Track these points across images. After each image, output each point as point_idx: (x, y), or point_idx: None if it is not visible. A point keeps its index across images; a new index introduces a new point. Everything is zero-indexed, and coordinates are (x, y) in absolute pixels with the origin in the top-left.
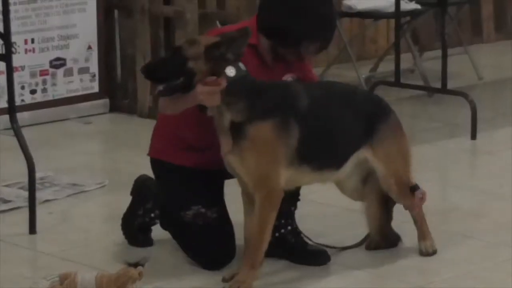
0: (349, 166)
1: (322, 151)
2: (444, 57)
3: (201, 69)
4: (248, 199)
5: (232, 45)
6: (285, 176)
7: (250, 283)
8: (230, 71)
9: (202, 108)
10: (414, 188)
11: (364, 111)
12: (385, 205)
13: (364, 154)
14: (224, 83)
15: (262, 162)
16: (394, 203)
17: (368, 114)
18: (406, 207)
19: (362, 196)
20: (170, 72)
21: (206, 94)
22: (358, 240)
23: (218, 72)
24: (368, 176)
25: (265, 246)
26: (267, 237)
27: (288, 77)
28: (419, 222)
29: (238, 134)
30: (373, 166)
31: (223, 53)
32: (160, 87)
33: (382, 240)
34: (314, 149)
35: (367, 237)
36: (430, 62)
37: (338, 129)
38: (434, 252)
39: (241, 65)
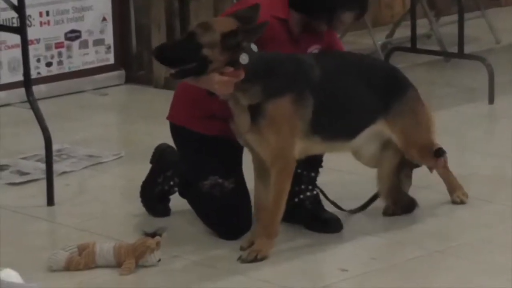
0: (362, 138)
1: (334, 122)
2: (461, 21)
3: (218, 58)
4: (259, 165)
5: (248, 34)
6: (298, 147)
7: (266, 251)
8: (243, 59)
9: (211, 93)
10: (438, 153)
11: (380, 85)
12: (399, 171)
13: (379, 127)
14: (242, 75)
15: (280, 138)
16: (412, 168)
17: (384, 88)
18: (430, 169)
19: (378, 163)
20: (183, 57)
21: (222, 84)
22: (375, 207)
23: (233, 60)
24: (383, 146)
25: (281, 215)
26: (283, 207)
27: (314, 49)
28: (446, 176)
29: (255, 114)
30: (391, 138)
31: (239, 41)
32: (172, 70)
33: (395, 205)
34: (327, 120)
35: (373, 198)
36: (447, 27)
37: (352, 101)
38: (467, 197)
39: (252, 46)
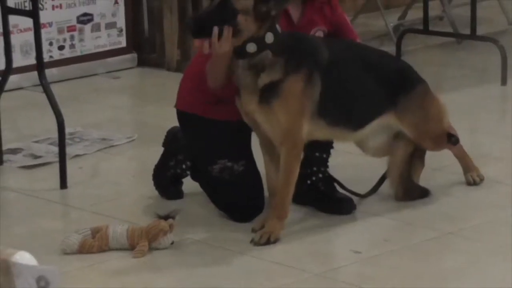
0: (368, 130)
1: (340, 108)
2: (473, 2)
3: (249, 27)
4: (267, 150)
5: (278, 2)
6: (305, 129)
7: (278, 233)
8: (268, 38)
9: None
10: (451, 140)
11: (389, 78)
12: (411, 159)
13: (387, 120)
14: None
15: (290, 117)
16: (424, 153)
17: (393, 82)
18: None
19: (385, 154)
20: (219, 26)
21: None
22: (388, 189)
23: (259, 37)
24: (395, 135)
25: (291, 196)
26: (293, 187)
27: (316, 31)
28: (461, 156)
29: (266, 92)
30: (402, 130)
31: (270, 9)
32: (206, 45)
33: (406, 194)
34: (332, 104)
35: (382, 179)
36: (459, 8)
37: (359, 90)
38: (481, 180)
39: (277, 27)
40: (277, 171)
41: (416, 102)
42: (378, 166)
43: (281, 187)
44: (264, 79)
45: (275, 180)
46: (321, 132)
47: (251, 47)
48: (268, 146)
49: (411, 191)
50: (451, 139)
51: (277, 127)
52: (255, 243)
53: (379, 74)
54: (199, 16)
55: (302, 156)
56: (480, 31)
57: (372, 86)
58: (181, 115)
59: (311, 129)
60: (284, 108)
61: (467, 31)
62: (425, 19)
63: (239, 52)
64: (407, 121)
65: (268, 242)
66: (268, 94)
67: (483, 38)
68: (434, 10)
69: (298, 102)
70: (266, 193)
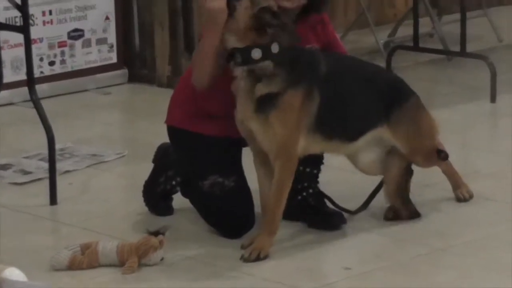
0: (361, 142)
1: (336, 121)
2: (463, 20)
3: (243, 17)
4: (262, 164)
5: (279, 29)
6: (300, 144)
7: (267, 249)
8: (274, 48)
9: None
10: (441, 156)
11: (382, 92)
12: (406, 173)
13: (380, 133)
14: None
15: (286, 131)
16: (411, 175)
17: (386, 95)
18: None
19: (379, 170)
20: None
21: None
22: (378, 206)
23: (265, 46)
24: (388, 151)
25: (282, 211)
26: (284, 203)
27: (310, 47)
28: (450, 173)
29: (265, 102)
30: (394, 144)
31: (271, 22)
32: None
33: (403, 207)
34: (329, 118)
35: (373, 195)
36: (449, 25)
37: (354, 102)
38: (471, 197)
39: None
40: (270, 187)
41: (408, 115)
42: (369, 182)
43: (272, 202)
44: (262, 89)
45: (268, 196)
46: (316, 146)
47: (256, 53)
48: (263, 161)
49: (407, 206)
50: (440, 155)
51: (273, 140)
52: (245, 259)
53: (374, 86)
54: None
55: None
56: (470, 48)
57: (366, 99)
58: (171, 130)
59: (307, 144)
60: (280, 121)
61: (457, 48)
62: (415, 36)
63: (243, 57)
64: (400, 134)
65: (258, 258)
66: (265, 103)
67: (473, 55)
68: (424, 27)
69: (296, 116)
70: (257, 209)
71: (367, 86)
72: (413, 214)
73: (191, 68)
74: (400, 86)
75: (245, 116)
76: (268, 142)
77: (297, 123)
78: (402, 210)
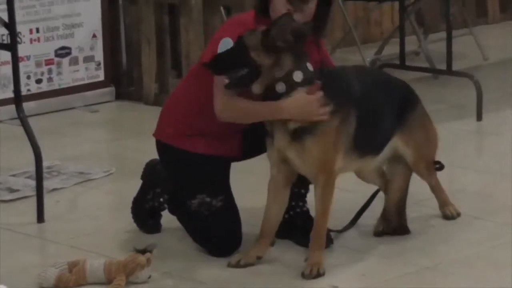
0: (384, 153)
1: (368, 138)
2: (449, 38)
3: (264, 61)
4: (274, 190)
5: (279, 30)
6: (339, 164)
7: (323, 264)
8: (297, 76)
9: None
10: (436, 167)
11: (396, 99)
12: (407, 190)
13: (395, 142)
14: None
15: (326, 154)
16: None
17: (400, 102)
18: (427, 181)
19: (384, 180)
20: (235, 62)
21: (318, 101)
22: (365, 224)
23: (282, 63)
24: (394, 161)
25: (326, 226)
26: (329, 216)
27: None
28: (438, 191)
29: (301, 130)
30: (403, 152)
31: (274, 40)
32: (226, 80)
33: (394, 223)
34: (363, 137)
35: (358, 215)
36: (435, 44)
37: (380, 115)
38: (458, 215)
39: (308, 65)
40: (277, 214)
41: (418, 122)
42: (355, 200)
43: (319, 219)
44: (293, 124)
45: (272, 222)
46: (353, 165)
47: (280, 87)
48: (277, 186)
49: (399, 220)
50: (436, 166)
51: (312, 164)
52: (306, 276)
53: (391, 96)
54: (219, 54)
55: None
56: (456, 66)
57: (388, 109)
58: (160, 145)
59: (345, 164)
60: (319, 147)
61: (443, 66)
62: (402, 54)
63: (270, 94)
64: (411, 142)
65: (318, 274)
66: (301, 131)
67: (459, 74)
68: (411, 45)
69: (333, 141)
70: (245, 227)
71: (387, 96)
72: (403, 229)
73: (182, 90)
74: (410, 93)
75: (281, 145)
76: (307, 167)
77: (336, 147)
78: (394, 222)
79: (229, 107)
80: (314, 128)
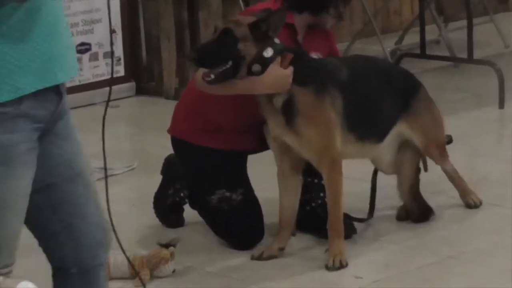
0: (388, 140)
1: (365, 120)
2: (470, 26)
3: (250, 52)
4: (283, 179)
5: (271, 22)
6: (339, 142)
7: (344, 253)
8: (267, 52)
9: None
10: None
11: (398, 85)
12: (418, 175)
13: (400, 128)
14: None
15: (320, 132)
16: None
17: (402, 89)
18: (442, 167)
19: (396, 168)
20: (221, 56)
21: (290, 74)
22: (387, 213)
23: (259, 56)
24: (400, 149)
25: (342, 213)
26: (343, 204)
27: (314, 55)
28: (457, 180)
29: (290, 114)
30: (411, 138)
31: (266, 30)
32: (211, 76)
33: (415, 205)
34: (358, 118)
35: (372, 203)
36: (456, 32)
37: (378, 101)
38: (480, 203)
39: (276, 40)
40: (291, 204)
41: (422, 106)
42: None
43: (331, 207)
44: (279, 98)
45: (288, 212)
46: (351, 148)
47: (256, 67)
48: (285, 174)
49: (419, 204)
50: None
51: (311, 147)
52: (329, 268)
53: (391, 82)
54: (202, 46)
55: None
56: (477, 54)
57: (387, 96)
58: (176, 142)
59: (343, 144)
60: (310, 125)
61: (464, 55)
62: (422, 43)
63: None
64: (418, 127)
65: (341, 266)
66: (291, 114)
67: (480, 62)
68: (431, 34)
69: (320, 115)
70: (267, 219)
71: (386, 83)
72: (426, 211)
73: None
74: (411, 79)
75: (278, 132)
76: (307, 150)
77: (327, 122)
78: (414, 208)
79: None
80: (296, 104)
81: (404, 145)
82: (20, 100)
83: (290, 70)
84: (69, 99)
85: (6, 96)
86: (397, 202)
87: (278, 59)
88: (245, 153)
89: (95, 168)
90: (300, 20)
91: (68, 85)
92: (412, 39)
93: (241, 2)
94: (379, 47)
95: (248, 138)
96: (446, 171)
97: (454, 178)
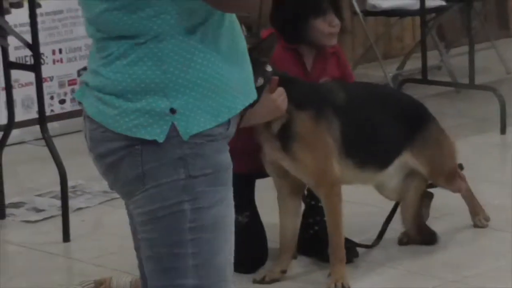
0: (392, 169)
1: (363, 147)
2: (471, 52)
3: None
4: (283, 202)
5: (262, 50)
6: (336, 167)
7: (346, 277)
8: (259, 82)
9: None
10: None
11: (404, 116)
12: (422, 202)
13: (405, 159)
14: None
15: (316, 157)
16: (431, 200)
17: (408, 120)
18: (454, 191)
19: (400, 195)
20: None
21: (283, 99)
22: (390, 237)
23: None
24: (407, 175)
25: (342, 237)
26: (342, 228)
27: (325, 80)
28: (469, 198)
29: (285, 139)
30: (417, 168)
31: (257, 57)
32: None
33: (419, 234)
34: (356, 144)
35: (385, 226)
36: (457, 58)
37: (379, 129)
38: (487, 222)
39: (268, 68)
40: (291, 227)
41: (430, 139)
42: (378, 213)
43: (331, 231)
44: (276, 124)
45: (288, 236)
46: (350, 174)
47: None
48: (285, 197)
49: (424, 232)
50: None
51: (307, 171)
52: None
53: (396, 111)
54: None
55: (341, 195)
56: (478, 80)
57: (391, 124)
58: None
59: (341, 170)
60: (306, 150)
61: (465, 81)
62: (424, 68)
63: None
64: (424, 159)
65: None
66: (287, 140)
67: (481, 87)
68: (433, 60)
69: (320, 142)
70: (271, 243)
71: (389, 111)
72: (429, 239)
73: None
74: (421, 110)
75: (274, 157)
76: (304, 175)
77: (323, 147)
78: (417, 235)
79: None
80: (293, 131)
81: (410, 173)
82: (228, 121)
83: (280, 91)
84: (72, 123)
85: (223, 117)
86: (400, 225)
87: (268, 86)
88: (253, 176)
89: (98, 191)
90: (305, 47)
91: (71, 109)
92: (413, 64)
93: (243, 27)
94: (381, 73)
95: (256, 161)
96: (457, 192)
97: (465, 196)
